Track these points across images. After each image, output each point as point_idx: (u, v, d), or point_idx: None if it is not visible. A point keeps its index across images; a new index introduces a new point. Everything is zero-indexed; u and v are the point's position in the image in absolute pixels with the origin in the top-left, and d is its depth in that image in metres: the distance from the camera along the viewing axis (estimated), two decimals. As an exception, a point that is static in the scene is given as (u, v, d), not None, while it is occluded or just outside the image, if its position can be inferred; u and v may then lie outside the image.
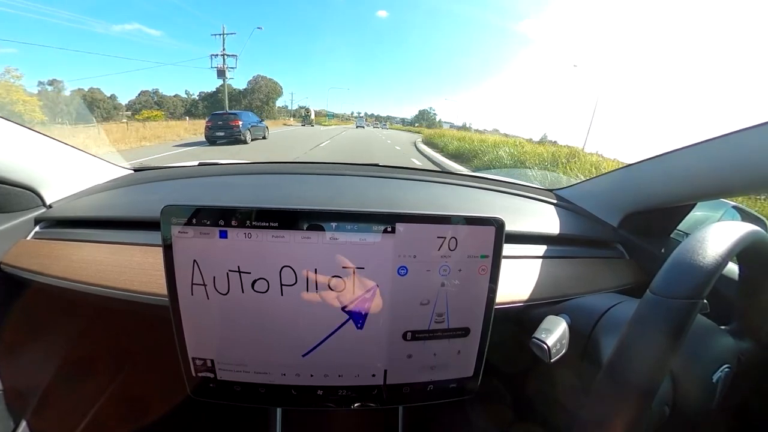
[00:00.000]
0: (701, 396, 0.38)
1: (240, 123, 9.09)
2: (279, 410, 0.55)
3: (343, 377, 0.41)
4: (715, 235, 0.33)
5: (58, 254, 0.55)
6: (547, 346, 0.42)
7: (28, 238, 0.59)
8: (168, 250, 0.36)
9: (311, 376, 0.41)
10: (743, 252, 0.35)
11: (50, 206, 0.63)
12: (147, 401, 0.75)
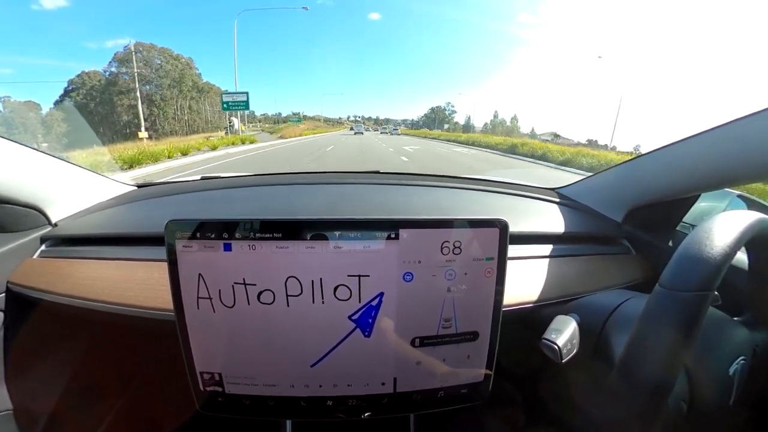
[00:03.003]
0: (718, 390, 0.37)
1: None
2: (289, 422, 0.55)
3: (352, 387, 0.41)
4: (723, 225, 0.33)
5: (65, 272, 0.55)
6: (558, 346, 0.41)
7: (35, 257, 0.60)
8: (173, 264, 0.36)
9: (320, 386, 0.40)
10: (752, 241, 0.34)
11: (56, 224, 0.64)
12: (156, 417, 0.74)
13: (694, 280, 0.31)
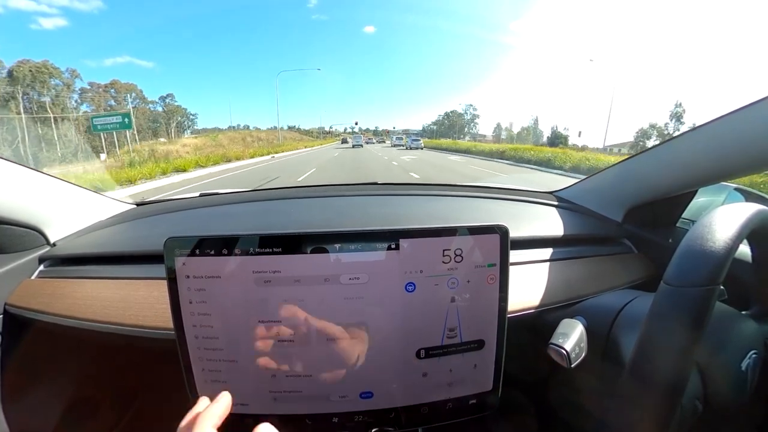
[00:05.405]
0: (733, 386, 0.37)
1: None
2: None
3: (357, 402, 0.40)
4: (723, 219, 0.33)
5: (63, 292, 0.55)
6: (566, 350, 0.40)
7: (33, 277, 0.59)
8: (172, 282, 0.36)
9: (325, 402, 0.39)
10: (754, 232, 0.34)
11: (54, 244, 0.64)
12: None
13: (699, 275, 0.30)
